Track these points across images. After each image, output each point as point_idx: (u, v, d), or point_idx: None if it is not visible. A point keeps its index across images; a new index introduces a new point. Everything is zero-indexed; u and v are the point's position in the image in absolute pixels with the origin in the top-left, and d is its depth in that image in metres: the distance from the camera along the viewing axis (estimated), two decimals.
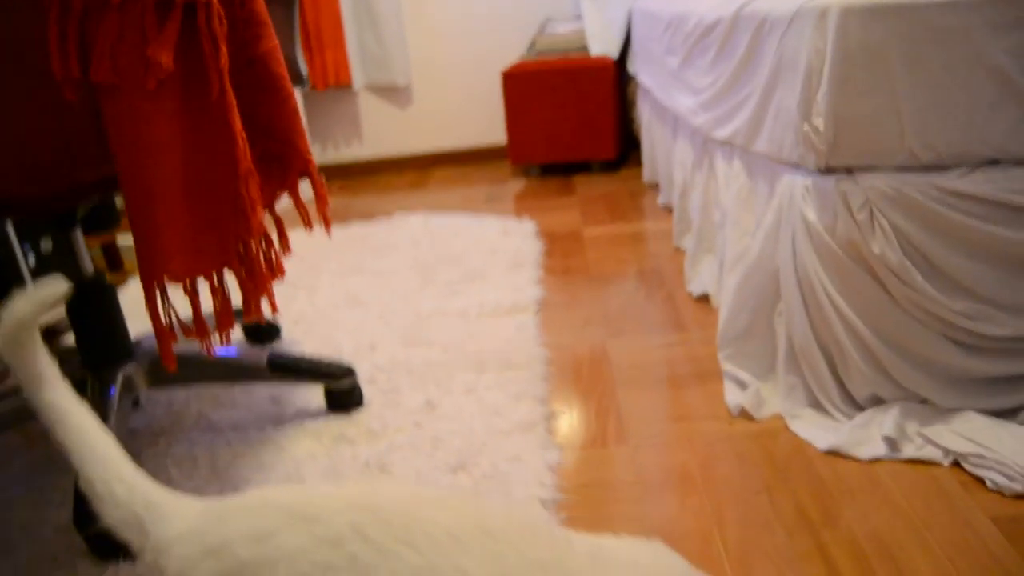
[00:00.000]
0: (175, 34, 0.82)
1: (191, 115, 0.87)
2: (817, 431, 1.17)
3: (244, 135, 0.89)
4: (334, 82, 3.37)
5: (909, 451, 1.10)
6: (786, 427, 1.20)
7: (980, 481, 1.03)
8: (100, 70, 0.80)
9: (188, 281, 0.89)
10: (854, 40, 1.03)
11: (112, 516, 0.61)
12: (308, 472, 1.17)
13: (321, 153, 3.63)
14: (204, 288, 0.95)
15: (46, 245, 1.82)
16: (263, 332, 1.69)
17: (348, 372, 1.34)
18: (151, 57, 0.81)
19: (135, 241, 0.84)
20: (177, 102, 0.85)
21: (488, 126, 3.59)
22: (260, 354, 1.31)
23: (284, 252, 1.01)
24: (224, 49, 0.86)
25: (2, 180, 0.95)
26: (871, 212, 1.08)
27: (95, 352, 1.24)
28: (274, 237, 0.99)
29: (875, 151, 1.08)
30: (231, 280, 0.96)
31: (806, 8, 1.09)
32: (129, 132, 0.83)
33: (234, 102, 0.88)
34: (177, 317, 0.89)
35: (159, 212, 0.85)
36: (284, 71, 0.98)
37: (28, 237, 1.76)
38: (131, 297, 2.10)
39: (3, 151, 0.91)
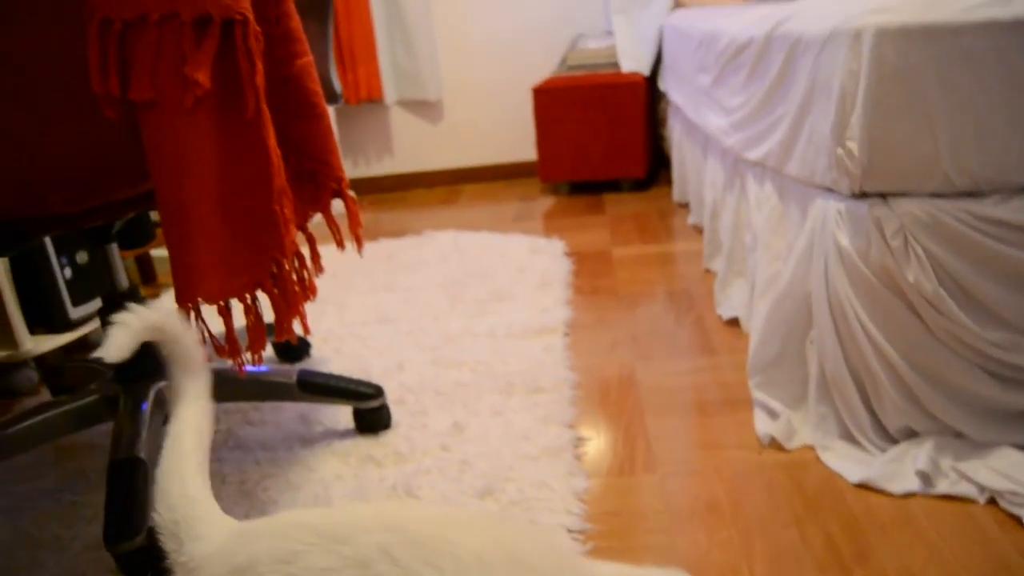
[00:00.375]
0: (213, 52, 0.83)
1: (227, 133, 0.87)
2: (849, 463, 1.15)
3: (279, 153, 0.90)
4: (366, 97, 3.39)
5: (943, 487, 1.07)
6: (817, 458, 1.18)
7: (1017, 520, 1.00)
8: (139, 88, 0.81)
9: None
10: (889, 63, 1.02)
11: (159, 516, 0.63)
12: (335, 494, 1.17)
13: (352, 168, 3.66)
14: (236, 306, 0.95)
15: (82, 257, 1.85)
16: (293, 349, 1.70)
17: (377, 393, 1.34)
18: (189, 75, 0.81)
19: (171, 259, 0.85)
20: (213, 120, 0.86)
21: (518, 142, 3.59)
22: (290, 373, 1.31)
23: (316, 271, 1.02)
24: (261, 67, 0.87)
25: (41, 197, 0.96)
26: (905, 238, 1.06)
27: (128, 367, 1.25)
28: (306, 256, 1.00)
29: (910, 176, 1.06)
30: (263, 299, 0.96)
31: (841, 30, 1.08)
32: (166, 149, 0.84)
33: (269, 120, 0.88)
34: (211, 336, 0.89)
35: (194, 230, 0.85)
36: (319, 88, 0.99)
37: (64, 249, 1.79)
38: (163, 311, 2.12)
39: (42, 168, 0.92)
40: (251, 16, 0.84)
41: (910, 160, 1.05)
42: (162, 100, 0.81)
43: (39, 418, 1.23)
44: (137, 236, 1.31)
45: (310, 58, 0.96)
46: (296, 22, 0.96)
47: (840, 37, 1.07)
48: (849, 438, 1.19)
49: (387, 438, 1.32)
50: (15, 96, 0.86)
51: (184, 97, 0.81)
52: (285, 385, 1.30)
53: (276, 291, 0.92)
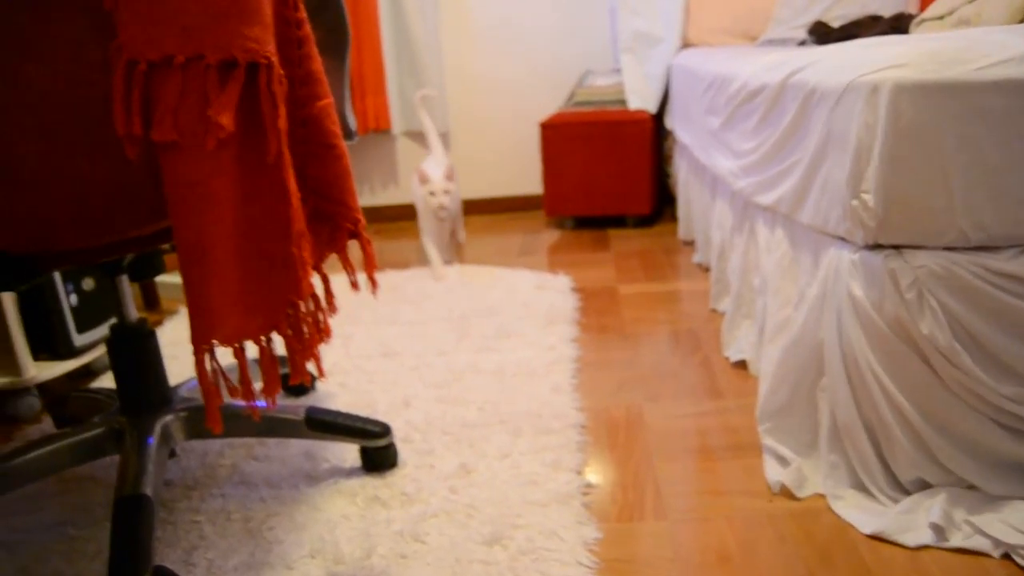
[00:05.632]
0: (236, 95, 0.83)
1: (247, 175, 0.87)
2: (861, 514, 1.14)
3: (299, 196, 0.89)
4: (374, 127, 3.42)
5: (957, 540, 1.06)
6: (828, 507, 1.17)
7: None
8: (162, 129, 0.81)
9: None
10: (906, 117, 1.03)
11: None
12: (342, 536, 1.16)
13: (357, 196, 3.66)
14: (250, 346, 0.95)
15: (88, 284, 1.84)
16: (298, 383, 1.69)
17: (384, 431, 1.33)
18: (212, 118, 0.81)
19: (187, 300, 0.84)
20: (234, 161, 0.86)
21: (523, 176, 3.61)
22: (298, 410, 1.30)
23: (330, 312, 1.02)
24: (284, 111, 0.87)
25: (57, 232, 0.96)
26: (920, 291, 1.06)
27: (134, 400, 1.25)
28: (321, 297, 0.99)
29: (925, 229, 1.07)
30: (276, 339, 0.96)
31: (857, 83, 1.08)
32: (186, 190, 0.83)
33: (290, 163, 0.88)
34: (225, 377, 0.89)
35: (212, 271, 0.85)
36: (338, 130, 0.99)
37: (70, 276, 1.79)
38: (167, 339, 2.12)
39: (59, 204, 0.92)
40: (276, 60, 0.84)
41: (925, 213, 1.05)
42: (184, 142, 0.81)
43: (43, 450, 1.22)
44: (147, 268, 1.31)
45: (330, 99, 0.97)
46: (317, 64, 0.96)
47: (857, 90, 1.07)
48: (861, 488, 1.18)
49: (394, 478, 1.31)
50: (35, 131, 0.86)
51: (207, 139, 0.81)
52: (293, 422, 1.30)
53: (291, 333, 0.92)
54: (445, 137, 3.56)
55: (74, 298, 1.79)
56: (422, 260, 2.85)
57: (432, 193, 2.50)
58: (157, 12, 0.79)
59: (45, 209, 0.91)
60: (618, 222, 3.21)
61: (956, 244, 1.06)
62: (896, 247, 1.09)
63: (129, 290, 1.27)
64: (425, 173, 2.50)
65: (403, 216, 3.67)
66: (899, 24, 1.93)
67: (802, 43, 2.32)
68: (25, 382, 1.67)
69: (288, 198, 0.88)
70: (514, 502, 1.22)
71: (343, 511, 1.23)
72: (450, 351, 1.88)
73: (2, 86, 0.84)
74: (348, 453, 1.40)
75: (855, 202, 1.09)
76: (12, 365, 1.66)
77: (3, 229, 0.91)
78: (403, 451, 1.40)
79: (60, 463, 1.24)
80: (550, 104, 3.51)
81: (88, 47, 0.83)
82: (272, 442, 1.47)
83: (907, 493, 1.15)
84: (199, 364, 0.85)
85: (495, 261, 2.76)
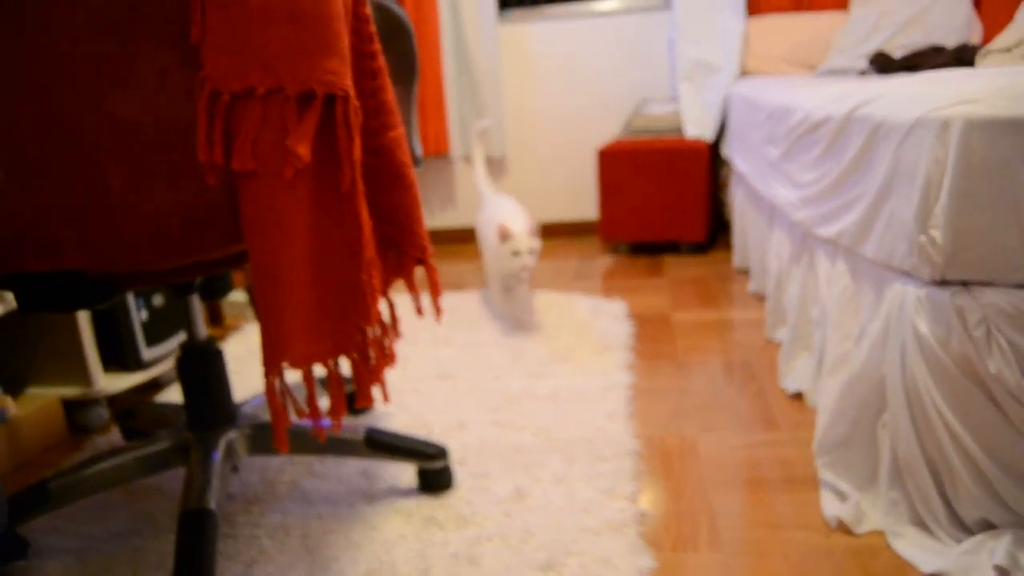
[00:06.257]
0: (314, 126, 0.86)
1: (322, 203, 0.90)
2: (921, 552, 1.12)
3: (370, 224, 0.92)
4: (433, 151, 3.47)
5: None
6: (887, 545, 1.15)
7: None
8: (241, 158, 0.84)
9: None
10: (977, 154, 1.02)
11: None
12: (398, 556, 1.18)
13: None
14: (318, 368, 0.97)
15: (158, 300, 1.90)
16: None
17: (441, 453, 1.34)
18: (290, 148, 0.84)
19: (260, 323, 0.87)
20: (310, 191, 0.89)
21: (578, 201, 3.63)
22: (358, 429, 1.33)
23: (395, 337, 1.04)
24: (358, 141, 0.89)
25: (136, 254, 0.99)
26: (988, 329, 1.05)
27: (201, 416, 1.28)
28: (387, 322, 1.02)
29: (994, 266, 1.05)
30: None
31: (927, 118, 1.07)
32: (263, 218, 0.86)
33: (363, 192, 0.91)
34: (293, 399, 0.91)
35: (285, 296, 0.87)
36: (408, 159, 1.02)
37: (142, 293, 1.85)
38: (230, 354, 2.17)
39: (139, 227, 0.96)
40: (352, 92, 0.87)
41: (995, 250, 1.04)
42: (263, 171, 0.84)
43: (112, 462, 1.27)
44: (216, 288, 1.35)
45: (402, 130, 0.99)
46: (390, 95, 0.99)
47: (927, 126, 1.07)
48: (921, 525, 1.16)
49: (449, 500, 1.33)
50: (120, 158, 0.90)
51: (284, 169, 0.84)
52: (353, 442, 1.32)
53: (358, 357, 0.94)
54: (501, 163, 3.60)
55: (144, 313, 1.84)
56: (477, 282, 2.87)
57: (516, 253, 2.14)
58: (241, 45, 0.83)
59: (126, 232, 0.95)
60: (672, 248, 3.20)
61: None
62: (964, 283, 1.07)
63: (199, 309, 1.31)
64: (508, 230, 2.15)
65: (461, 239, 3.72)
66: (963, 55, 1.91)
67: (863, 73, 2.31)
68: (95, 394, 1.73)
69: (360, 226, 0.90)
70: (568, 528, 1.22)
71: (399, 531, 1.24)
72: (505, 375, 1.89)
73: (91, 114, 0.87)
74: (404, 473, 1.42)
75: (923, 238, 1.08)
76: (84, 377, 1.72)
77: (85, 250, 0.95)
78: (458, 473, 1.41)
79: (128, 475, 1.28)
80: (607, 131, 3.53)
81: (173, 78, 0.87)
82: (330, 459, 1.49)
83: (970, 533, 1.12)
84: (269, 385, 0.88)
85: (550, 285, 2.77)
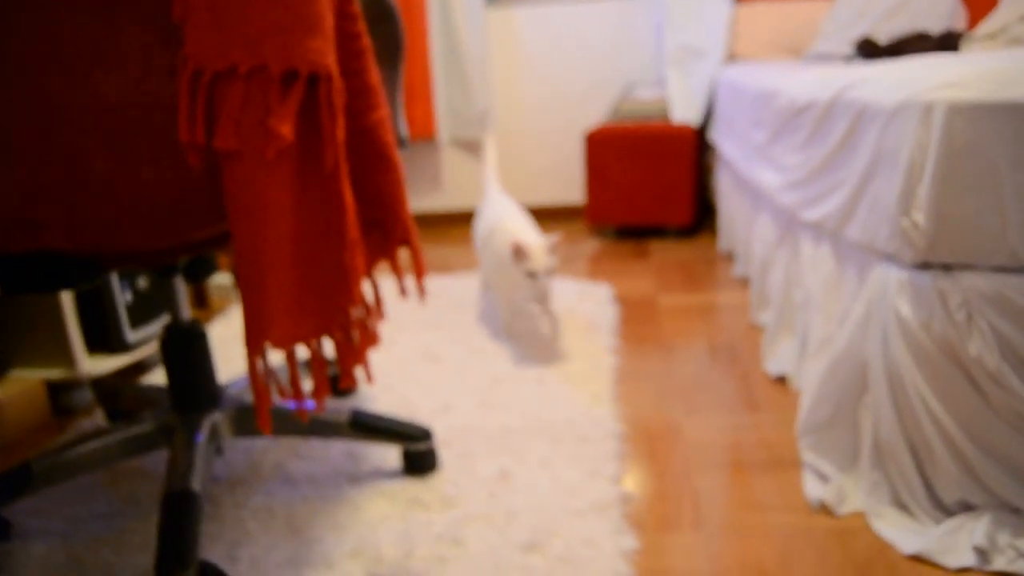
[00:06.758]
0: (297, 106, 0.85)
1: (305, 184, 0.89)
2: (902, 533, 1.13)
3: (354, 205, 0.91)
4: (420, 134, 3.45)
5: (1000, 563, 1.05)
6: (868, 526, 1.16)
7: None
8: (224, 138, 0.83)
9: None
10: (960, 137, 1.02)
11: None
12: (382, 536, 1.18)
13: None
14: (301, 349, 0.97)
15: (142, 282, 1.89)
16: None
17: (426, 435, 1.35)
18: (273, 128, 0.84)
19: (243, 303, 0.87)
20: (293, 171, 0.88)
21: (566, 185, 3.62)
22: (342, 411, 1.32)
23: (379, 318, 1.04)
24: (342, 122, 0.89)
25: (119, 234, 0.99)
26: (969, 312, 1.06)
27: (185, 398, 1.28)
28: (371, 303, 1.01)
29: (976, 250, 1.06)
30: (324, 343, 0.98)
31: (911, 102, 1.08)
32: (245, 198, 0.86)
33: (346, 173, 0.90)
34: (276, 380, 0.91)
35: (267, 276, 0.87)
36: (392, 140, 1.01)
37: (126, 275, 1.83)
38: (215, 337, 2.16)
39: (123, 207, 0.95)
40: (336, 72, 0.86)
41: (977, 234, 1.05)
42: (245, 150, 0.84)
43: (96, 443, 1.26)
44: (201, 270, 1.34)
45: (387, 111, 0.99)
46: (374, 76, 0.99)
47: (910, 109, 1.07)
48: (902, 507, 1.17)
49: (434, 481, 1.33)
50: (102, 137, 0.89)
51: (267, 149, 0.83)
52: (337, 423, 1.32)
53: (342, 338, 0.94)
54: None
55: (128, 295, 1.83)
56: (463, 266, 2.87)
57: (532, 274, 1.81)
58: (223, 24, 0.82)
59: (109, 212, 0.94)
60: (658, 232, 3.21)
61: (1007, 265, 1.05)
62: (946, 267, 1.08)
63: (183, 290, 1.30)
64: (524, 248, 1.80)
65: (445, 222, 3.71)
66: (948, 42, 1.91)
67: (849, 59, 2.31)
68: (79, 376, 1.72)
69: (343, 207, 0.90)
70: (553, 509, 1.23)
71: (384, 512, 1.25)
72: (491, 357, 1.89)
73: (73, 92, 0.87)
74: (389, 455, 1.42)
75: (905, 221, 1.09)
76: (67, 359, 1.71)
77: (69, 230, 0.94)
78: (443, 455, 1.41)
79: (112, 456, 1.28)
80: (594, 115, 3.52)
81: (156, 56, 0.86)
82: (315, 441, 1.49)
83: (950, 514, 1.14)
84: (252, 365, 0.88)
85: None
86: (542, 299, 1.91)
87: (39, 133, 0.88)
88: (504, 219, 2.01)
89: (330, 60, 0.86)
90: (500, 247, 1.94)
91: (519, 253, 1.80)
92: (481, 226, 2.15)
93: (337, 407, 1.35)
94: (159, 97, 0.87)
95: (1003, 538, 1.07)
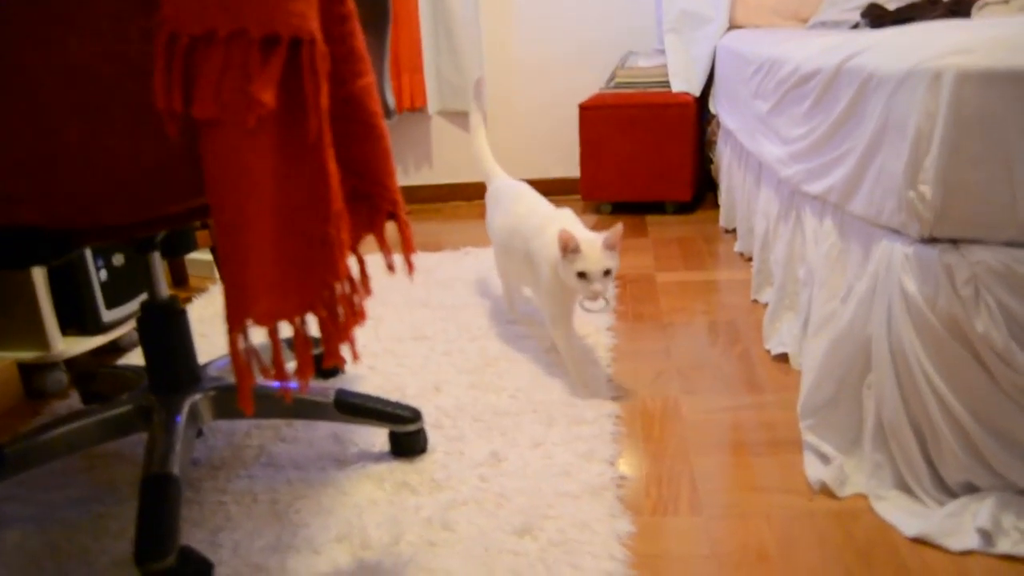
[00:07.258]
0: (278, 72, 0.81)
1: (287, 153, 0.85)
2: (904, 516, 1.10)
3: (338, 176, 0.87)
4: (409, 106, 3.39)
5: (1005, 546, 1.02)
6: (870, 508, 1.13)
7: None
8: (202, 105, 0.79)
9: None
10: (969, 106, 0.98)
11: None
12: (369, 520, 1.14)
13: None
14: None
15: (118, 259, 1.84)
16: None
17: (415, 416, 1.31)
18: (253, 94, 0.79)
19: (223, 279, 0.83)
20: (274, 140, 0.84)
21: (561, 158, 3.56)
22: (327, 392, 1.29)
23: (365, 294, 0.99)
24: (326, 89, 0.85)
25: (94, 209, 0.95)
26: (976, 288, 1.02)
27: (164, 378, 1.24)
28: (356, 279, 0.97)
29: (984, 223, 1.02)
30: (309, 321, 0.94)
31: (919, 69, 1.03)
32: (225, 168, 0.82)
33: (330, 143, 0.86)
34: (259, 359, 0.87)
35: (249, 251, 0.83)
36: (379, 109, 0.97)
37: (100, 251, 1.78)
38: (195, 317, 2.12)
39: (97, 180, 0.91)
40: (319, 36, 0.82)
41: (985, 207, 1.01)
42: (225, 118, 0.79)
43: (71, 426, 1.23)
44: (180, 245, 1.30)
45: (373, 78, 0.94)
46: (360, 41, 0.94)
47: (918, 77, 1.02)
48: (905, 489, 1.14)
49: (423, 464, 1.29)
50: (75, 106, 0.85)
51: (247, 116, 0.79)
52: (322, 404, 1.28)
53: (327, 315, 0.90)
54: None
55: (104, 273, 1.78)
56: (454, 242, 2.82)
57: (584, 275, 1.44)
58: None
59: (83, 185, 0.90)
60: (657, 208, 3.15)
61: (1016, 240, 1.01)
62: (953, 241, 1.04)
63: (161, 267, 1.26)
64: (575, 240, 1.43)
65: (436, 198, 3.65)
66: (958, 8, 1.85)
67: (855, 26, 2.25)
68: (53, 357, 1.68)
69: (327, 178, 0.86)
70: (546, 492, 1.19)
71: (371, 496, 1.21)
72: (483, 336, 1.85)
73: (44, 59, 0.82)
74: (377, 437, 1.39)
75: (912, 193, 1.04)
76: (41, 340, 1.67)
77: (40, 204, 0.91)
78: (433, 437, 1.38)
79: (88, 440, 1.24)
80: (590, 85, 3.45)
81: (130, 21, 0.82)
82: (300, 424, 1.46)
83: (953, 496, 1.10)
84: (233, 343, 0.84)
85: None
86: (595, 307, 1.56)
87: (8, 103, 0.84)
88: (537, 208, 1.74)
89: (313, 24, 0.82)
90: (533, 235, 1.62)
91: (567, 245, 1.44)
92: (497, 217, 1.87)
93: (322, 388, 1.31)
94: (135, 64, 0.83)
95: (1008, 520, 1.05)
